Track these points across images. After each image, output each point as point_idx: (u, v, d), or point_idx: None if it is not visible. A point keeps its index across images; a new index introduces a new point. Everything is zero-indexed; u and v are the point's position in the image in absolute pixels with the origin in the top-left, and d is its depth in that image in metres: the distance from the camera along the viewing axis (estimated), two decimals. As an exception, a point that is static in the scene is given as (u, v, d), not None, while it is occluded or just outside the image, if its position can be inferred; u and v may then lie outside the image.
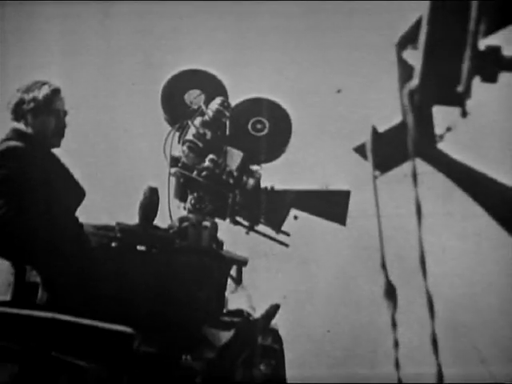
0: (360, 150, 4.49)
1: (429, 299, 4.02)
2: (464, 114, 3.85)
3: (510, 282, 4.02)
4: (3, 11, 7.18)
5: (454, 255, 5.98)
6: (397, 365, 4.35)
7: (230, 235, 5.74)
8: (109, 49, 6.85)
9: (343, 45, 6.61)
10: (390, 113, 4.32)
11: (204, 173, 5.66)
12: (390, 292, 4.32)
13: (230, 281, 5.67)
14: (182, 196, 5.72)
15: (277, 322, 5.61)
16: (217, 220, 5.70)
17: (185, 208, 5.70)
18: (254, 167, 5.83)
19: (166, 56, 6.58)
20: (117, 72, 6.78)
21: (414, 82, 3.82)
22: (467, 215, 5.21)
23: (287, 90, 6.13)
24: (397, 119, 4.26)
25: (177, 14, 6.90)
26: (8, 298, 5.12)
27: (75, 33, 7.10)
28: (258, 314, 5.61)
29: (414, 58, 3.95)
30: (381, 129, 4.36)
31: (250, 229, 5.81)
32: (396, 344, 4.33)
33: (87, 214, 5.38)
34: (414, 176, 4.10)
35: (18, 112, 5.31)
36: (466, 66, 3.74)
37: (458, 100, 3.79)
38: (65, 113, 5.40)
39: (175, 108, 5.89)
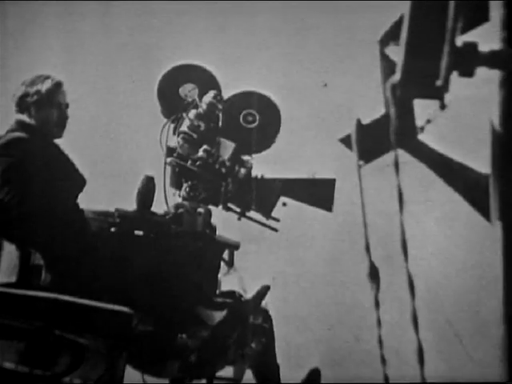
0: (345, 140, 4.56)
1: (409, 279, 4.07)
2: (443, 106, 3.94)
3: (483, 260, 4.06)
4: (4, 10, 7.02)
5: (432, 238, 6.01)
6: (380, 341, 4.44)
7: (223, 221, 5.74)
8: (108, 46, 6.78)
9: (329, 42, 6.60)
10: (373, 106, 4.37)
11: (198, 162, 5.66)
12: (374, 273, 4.41)
13: (222, 264, 5.67)
14: (177, 184, 5.72)
15: (267, 302, 5.62)
16: (210, 206, 5.70)
17: (180, 195, 5.70)
18: (246, 157, 5.83)
19: (163, 53, 6.56)
20: (116, 68, 6.73)
21: (396, 76, 3.90)
22: (445, 201, 5.22)
23: (276, 85, 6.13)
24: (380, 112, 4.32)
25: (173, 12, 6.88)
26: (14, 279, 5.17)
27: (75, 31, 6.99)
28: (249, 294, 5.62)
29: (396, 53, 4.01)
30: (365, 121, 4.43)
31: (242, 215, 5.80)
32: (379, 321, 4.42)
33: (88, 201, 5.39)
34: (396, 165, 4.14)
35: (22, 104, 5.34)
36: (444, 61, 3.82)
37: (437, 93, 3.89)
38: (66, 105, 5.42)
39: (171, 101, 5.88)
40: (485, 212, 4.21)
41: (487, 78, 4.03)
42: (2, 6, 6.92)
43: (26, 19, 6.97)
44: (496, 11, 3.97)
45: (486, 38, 4.02)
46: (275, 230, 5.83)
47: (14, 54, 6.83)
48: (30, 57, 6.84)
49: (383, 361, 4.35)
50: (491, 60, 3.90)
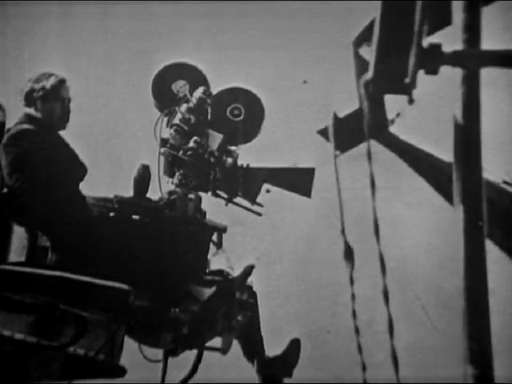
0: (323, 132, 4.57)
1: (381, 259, 4.10)
2: (411, 101, 3.93)
3: (446, 240, 4.08)
4: (4, 11, 6.89)
5: (402, 221, 6.01)
6: (354, 314, 4.48)
7: (212, 206, 5.76)
8: (107, 46, 6.69)
9: (309, 43, 6.57)
10: (348, 101, 4.37)
11: (189, 152, 5.70)
12: (349, 253, 4.41)
13: (211, 245, 5.67)
14: (170, 172, 5.75)
15: (252, 279, 5.63)
16: (200, 193, 5.73)
17: (172, 183, 5.72)
18: (232, 148, 5.86)
19: (159, 53, 6.50)
20: (115, 67, 6.66)
21: (369, 74, 3.93)
22: (414, 187, 5.22)
23: (261, 81, 6.11)
24: (354, 106, 4.33)
25: (167, 14, 6.82)
26: (23, 259, 5.22)
27: (75, 32, 6.88)
28: (235, 273, 5.61)
29: (369, 54, 4.03)
30: (341, 114, 4.44)
31: (229, 201, 5.83)
32: (353, 297, 4.40)
33: (89, 188, 5.40)
34: (369, 155, 4.16)
35: (29, 99, 5.36)
36: (411, 61, 3.86)
37: (406, 90, 3.91)
38: (69, 100, 5.45)
39: (164, 96, 5.89)
40: (448, 197, 4.21)
41: (450, 75, 4.03)
42: (2, 8, 6.83)
43: (26, 21, 6.87)
44: (458, 15, 3.99)
45: (450, 39, 4.02)
46: (259, 214, 5.86)
47: (14, 55, 6.74)
48: (29, 57, 6.77)
49: (357, 331, 4.39)
50: (454, 59, 3.93)
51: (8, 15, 6.83)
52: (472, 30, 3.97)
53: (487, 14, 4.05)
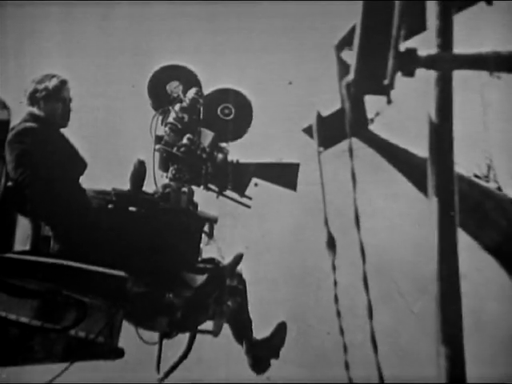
0: (307, 130, 4.57)
1: (361, 247, 4.17)
2: (389, 101, 4.01)
3: (422, 230, 4.11)
4: (3, 12, 6.76)
5: (381, 213, 6.04)
6: (336, 299, 4.45)
7: (204, 199, 5.76)
8: (107, 47, 6.63)
9: (294, 45, 6.56)
10: (331, 101, 4.38)
11: (182, 149, 5.70)
12: (331, 242, 4.42)
13: (203, 235, 5.67)
14: (164, 167, 5.74)
15: (241, 267, 5.65)
16: (193, 186, 5.72)
17: (167, 177, 5.71)
18: (223, 144, 5.87)
19: (156, 52, 6.50)
20: (113, 65, 6.61)
21: (350, 76, 4.02)
22: (391, 181, 5.27)
23: (249, 83, 6.10)
24: (336, 106, 4.35)
25: (166, 15, 6.76)
26: (27, 247, 5.24)
27: (75, 33, 6.78)
28: (226, 261, 5.62)
29: (350, 57, 4.09)
30: (324, 114, 4.46)
31: (220, 193, 5.84)
32: (335, 283, 4.39)
33: (89, 181, 5.42)
34: (350, 151, 4.23)
35: (33, 99, 5.39)
36: (390, 64, 3.93)
37: (385, 91, 3.98)
38: (70, 100, 5.48)
39: (159, 96, 5.90)
40: (423, 189, 4.28)
41: (425, 77, 4.08)
42: (2, 8, 6.73)
43: (26, 21, 6.76)
44: (432, 22, 4.05)
45: (424, 44, 4.06)
46: (248, 206, 5.88)
47: (14, 55, 6.66)
48: (29, 57, 6.69)
49: (338, 315, 4.41)
50: (428, 62, 4.00)
51: (8, 15, 6.74)
52: (445, 35, 4.04)
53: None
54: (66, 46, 6.72)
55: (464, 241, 4.42)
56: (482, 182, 5.21)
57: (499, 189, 5.20)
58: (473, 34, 5.72)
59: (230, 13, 6.65)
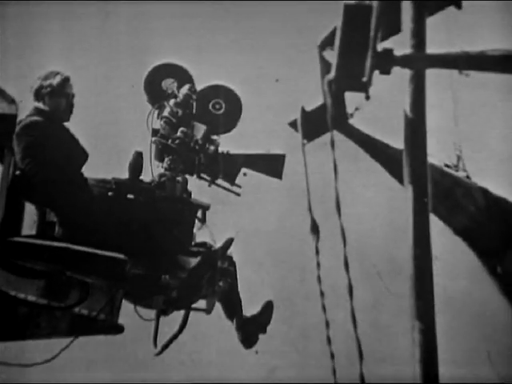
0: (293, 124, 4.63)
1: (342, 232, 4.24)
2: (367, 97, 4.09)
3: (398, 215, 4.13)
4: (4, 11, 6.60)
5: (360, 200, 6.04)
6: (319, 279, 4.47)
7: (197, 187, 5.77)
8: (107, 47, 6.57)
9: (281, 45, 6.51)
10: (314, 97, 4.46)
11: (177, 141, 5.73)
12: (314, 228, 4.47)
13: (196, 221, 5.68)
14: (160, 158, 5.75)
15: (231, 251, 5.66)
16: (187, 176, 5.74)
17: (162, 167, 5.73)
18: (214, 137, 5.87)
19: (151, 52, 6.43)
20: (113, 64, 6.55)
21: (331, 74, 4.08)
22: (370, 171, 5.27)
23: (239, 79, 6.07)
24: (319, 102, 4.42)
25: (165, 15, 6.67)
26: (34, 232, 5.27)
27: (75, 32, 6.67)
28: (217, 245, 5.63)
29: (331, 56, 4.13)
30: (308, 109, 4.52)
31: (212, 182, 5.85)
32: (318, 265, 4.46)
33: (90, 171, 5.42)
34: (332, 143, 4.29)
35: (38, 95, 5.41)
36: (368, 62, 4.00)
37: (363, 87, 4.06)
38: (73, 95, 5.49)
39: (155, 93, 5.90)
40: (399, 178, 4.36)
41: (401, 75, 4.16)
42: (2, 8, 6.60)
43: (26, 21, 6.64)
44: (407, 24, 4.13)
45: (400, 44, 4.13)
46: (238, 194, 5.90)
47: (14, 55, 6.53)
48: (30, 57, 6.59)
49: (322, 294, 4.46)
50: (403, 62, 4.09)
51: (8, 15, 6.61)
52: (418, 36, 4.12)
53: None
54: (67, 45, 6.64)
55: (436, 225, 4.48)
56: (453, 172, 5.28)
57: (468, 177, 5.28)
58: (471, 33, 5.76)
59: (220, 13, 6.63)
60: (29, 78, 5.63)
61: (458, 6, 4.19)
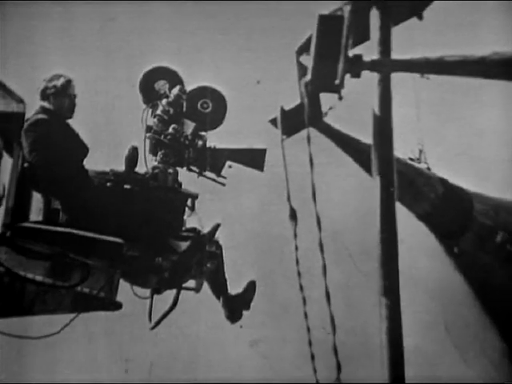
0: (273, 121, 4.73)
1: (317, 218, 4.36)
2: (340, 98, 4.19)
3: (369, 204, 4.11)
4: (3, 11, 6.37)
5: (334, 190, 5.96)
6: (297, 261, 4.54)
7: (187, 178, 5.76)
8: (107, 47, 6.43)
9: (262, 48, 6.44)
10: (292, 97, 4.54)
11: (169, 137, 5.73)
12: (293, 214, 4.56)
13: (186, 208, 5.67)
14: (154, 152, 5.74)
15: (218, 235, 5.67)
16: (177, 168, 5.73)
17: (156, 160, 5.72)
18: (202, 133, 5.85)
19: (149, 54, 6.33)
20: (111, 65, 6.42)
21: (308, 77, 4.18)
22: (342, 163, 5.22)
23: (224, 81, 6.05)
24: (297, 101, 4.50)
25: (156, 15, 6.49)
26: (40, 218, 5.31)
27: (75, 32, 6.49)
28: (205, 230, 5.65)
29: (308, 61, 4.24)
30: (286, 108, 4.61)
31: (200, 174, 5.83)
32: (296, 248, 4.54)
33: (90, 164, 5.45)
34: (308, 139, 4.42)
35: (44, 95, 5.43)
36: (340, 67, 4.10)
37: (336, 89, 4.16)
38: (75, 96, 5.51)
39: (149, 93, 5.87)
40: (368, 170, 4.40)
41: (369, 78, 4.22)
42: (2, 8, 6.39)
43: (26, 21, 6.43)
44: (374, 33, 4.21)
45: (368, 50, 4.22)
46: (223, 184, 5.88)
47: (13, 55, 6.34)
48: (29, 57, 6.39)
49: (299, 274, 4.55)
50: (371, 66, 4.16)
51: (8, 15, 6.40)
52: (384, 44, 4.20)
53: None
54: (66, 45, 6.49)
55: (401, 211, 4.58)
56: (415, 164, 5.40)
57: (428, 168, 5.39)
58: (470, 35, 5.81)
59: (201, 11, 6.52)
60: (29, 77, 5.66)
61: (420, 18, 4.24)
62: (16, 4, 6.38)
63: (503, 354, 5.47)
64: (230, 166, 5.92)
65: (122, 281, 5.48)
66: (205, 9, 6.48)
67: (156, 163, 5.74)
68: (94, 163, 5.51)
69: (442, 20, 5.75)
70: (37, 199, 5.37)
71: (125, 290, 5.52)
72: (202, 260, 5.63)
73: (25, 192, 5.31)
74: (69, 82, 5.49)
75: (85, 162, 5.48)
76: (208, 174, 5.89)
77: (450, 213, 5.25)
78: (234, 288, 5.78)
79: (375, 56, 4.20)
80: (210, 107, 5.97)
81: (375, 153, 4.27)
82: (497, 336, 5.45)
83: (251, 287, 5.79)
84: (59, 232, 5.20)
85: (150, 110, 5.88)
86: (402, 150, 5.22)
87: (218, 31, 6.58)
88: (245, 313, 5.77)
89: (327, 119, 4.68)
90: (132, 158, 5.55)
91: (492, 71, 4.19)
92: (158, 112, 5.82)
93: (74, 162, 5.42)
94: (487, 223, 5.28)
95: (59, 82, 5.46)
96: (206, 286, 5.74)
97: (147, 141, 5.78)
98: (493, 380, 5.52)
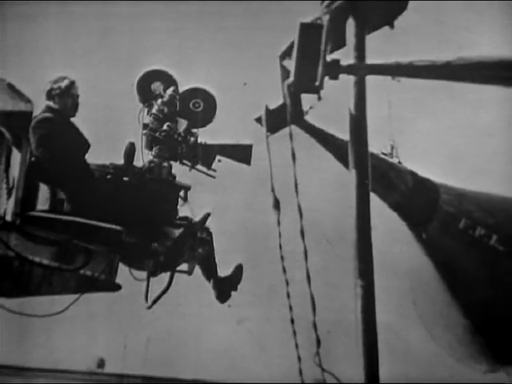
0: (258, 119, 4.72)
1: (299, 208, 4.36)
2: (319, 98, 4.24)
3: (345, 194, 4.11)
4: (3, 11, 6.27)
5: (314, 181, 5.95)
6: (280, 246, 4.55)
7: (180, 171, 5.76)
8: (106, 47, 6.42)
9: (249, 53, 6.50)
10: (276, 97, 4.55)
11: (163, 133, 5.74)
12: (276, 204, 4.55)
13: (179, 199, 5.68)
14: (149, 147, 5.75)
15: (208, 223, 5.68)
16: (171, 162, 5.74)
17: (151, 155, 5.73)
18: (194, 130, 5.87)
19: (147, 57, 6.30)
20: (111, 64, 6.44)
21: (290, 79, 4.20)
22: (322, 158, 5.16)
23: (214, 83, 6.05)
24: (280, 101, 4.52)
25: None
26: (46, 207, 5.32)
27: (75, 32, 6.45)
28: (197, 218, 5.65)
29: (290, 65, 4.25)
30: (271, 107, 4.60)
31: (192, 167, 5.85)
32: (279, 234, 4.53)
33: (92, 158, 5.45)
34: (290, 135, 4.43)
35: (49, 95, 5.44)
36: (320, 70, 4.13)
37: (316, 90, 4.19)
38: (77, 96, 5.51)
39: (145, 93, 5.88)
40: (345, 164, 4.41)
41: (346, 80, 4.25)
42: (2, 8, 6.27)
43: (25, 21, 6.33)
44: (350, 40, 4.25)
45: (345, 55, 4.25)
46: (213, 177, 5.90)
47: (14, 55, 6.29)
48: (29, 57, 6.36)
49: (282, 258, 4.54)
50: (348, 70, 4.20)
51: (8, 15, 6.29)
52: (359, 50, 4.24)
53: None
54: (66, 45, 6.43)
55: (375, 201, 4.61)
56: (388, 158, 5.43)
57: (399, 162, 5.41)
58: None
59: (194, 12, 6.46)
60: (29, 77, 5.59)
61: (391, 26, 4.29)
62: (16, 4, 6.28)
63: (466, 329, 5.51)
64: (219, 160, 5.92)
65: (121, 264, 5.51)
66: (200, 16, 6.47)
67: (152, 157, 5.75)
68: (95, 157, 5.51)
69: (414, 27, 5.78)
70: (43, 190, 5.37)
71: (124, 273, 5.53)
72: (194, 245, 5.63)
73: (32, 184, 5.31)
74: (72, 84, 5.49)
75: (87, 157, 5.47)
76: (199, 167, 5.90)
77: (419, 202, 5.29)
78: (223, 271, 5.78)
79: (351, 60, 4.23)
80: (201, 106, 5.98)
81: (351, 148, 4.28)
82: (460, 313, 5.49)
83: (239, 270, 5.80)
84: (64, 220, 5.21)
85: (146, 109, 5.88)
86: (376, 145, 5.25)
87: (211, 39, 6.58)
88: (233, 293, 5.78)
89: (308, 118, 4.69)
90: (130, 152, 5.57)
91: (457, 74, 4.24)
92: (154, 111, 5.83)
93: (77, 156, 5.42)
94: (451, 211, 5.32)
95: (63, 84, 5.46)
96: (197, 269, 5.73)
97: (144, 137, 5.79)
98: (455, 352, 5.58)
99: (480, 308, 5.44)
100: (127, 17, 6.48)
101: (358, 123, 4.27)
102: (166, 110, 5.84)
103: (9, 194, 5.16)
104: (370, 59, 4.24)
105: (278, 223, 4.50)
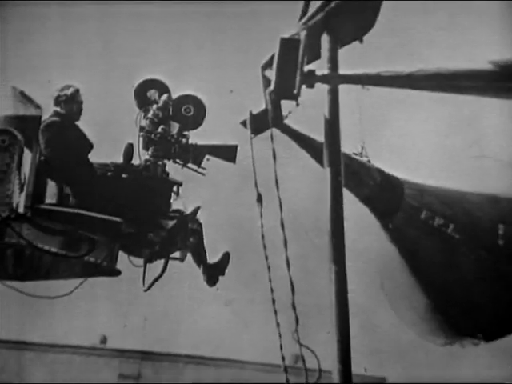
0: (243, 123, 4.76)
1: (279, 202, 4.38)
2: (297, 104, 4.29)
3: (320, 189, 4.06)
4: (3, 12, 6.06)
5: (293, 178, 5.99)
6: (262, 236, 4.56)
7: (173, 169, 5.77)
8: (106, 48, 6.33)
9: (237, 62, 6.57)
10: (258, 103, 4.57)
11: (158, 135, 5.74)
12: (259, 198, 4.57)
13: (172, 194, 5.69)
14: (146, 148, 5.74)
15: (199, 215, 5.71)
16: (165, 161, 5.75)
17: (148, 154, 5.72)
18: (186, 132, 5.87)
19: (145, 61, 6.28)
20: (110, 64, 6.37)
21: (271, 87, 4.26)
22: (300, 157, 5.17)
23: (204, 90, 6.03)
24: (262, 107, 4.53)
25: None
26: (54, 201, 5.37)
27: (75, 32, 6.32)
28: (188, 211, 5.68)
29: (271, 74, 4.31)
30: (254, 112, 4.63)
31: (184, 165, 5.84)
32: (262, 225, 4.55)
33: (95, 157, 5.49)
34: (272, 137, 4.46)
35: (57, 101, 5.49)
36: (297, 79, 4.18)
37: (294, 97, 4.24)
38: (82, 102, 5.56)
39: (142, 99, 5.88)
40: (321, 162, 4.38)
41: (321, 89, 4.26)
42: (2, 8, 6.08)
43: (26, 21, 6.15)
44: (325, 53, 4.28)
45: (320, 67, 4.28)
46: (203, 174, 5.89)
47: (13, 56, 6.13)
48: (29, 57, 6.25)
49: (264, 247, 4.54)
50: (323, 79, 4.24)
51: (8, 15, 6.11)
52: (333, 62, 4.28)
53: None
54: (66, 46, 6.32)
55: (347, 195, 4.56)
56: (358, 157, 5.51)
57: (369, 161, 5.49)
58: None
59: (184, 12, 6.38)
60: (28, 78, 5.67)
61: (361, 41, 4.33)
62: (16, 4, 6.09)
63: (427, 308, 5.58)
64: (208, 159, 5.92)
65: (120, 252, 5.52)
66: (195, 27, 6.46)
67: (148, 157, 5.76)
68: (97, 157, 5.53)
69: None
70: (51, 186, 5.40)
71: (123, 260, 5.55)
72: (186, 235, 5.65)
73: (41, 180, 5.33)
74: (77, 91, 5.54)
75: (90, 156, 5.50)
76: (190, 165, 5.90)
77: (386, 196, 5.35)
78: (212, 258, 5.79)
79: (326, 71, 4.26)
80: (191, 111, 5.97)
81: (326, 149, 4.30)
82: (422, 294, 5.55)
83: (226, 257, 5.82)
84: (70, 212, 5.25)
85: (143, 114, 5.89)
86: (348, 146, 5.27)
87: (204, 49, 6.63)
88: (221, 278, 5.79)
89: (287, 121, 4.70)
90: (128, 152, 5.60)
91: (418, 84, 4.32)
92: (150, 115, 5.84)
93: (81, 156, 5.47)
94: (414, 204, 5.38)
95: (69, 91, 5.50)
96: (189, 256, 5.76)
97: (141, 139, 5.80)
98: (418, 328, 5.66)
99: (439, 289, 5.50)
100: (127, 17, 6.38)
101: (332, 126, 4.29)
102: (160, 114, 5.84)
103: (21, 189, 5.16)
104: (342, 70, 4.27)
105: (261, 215, 4.52)
